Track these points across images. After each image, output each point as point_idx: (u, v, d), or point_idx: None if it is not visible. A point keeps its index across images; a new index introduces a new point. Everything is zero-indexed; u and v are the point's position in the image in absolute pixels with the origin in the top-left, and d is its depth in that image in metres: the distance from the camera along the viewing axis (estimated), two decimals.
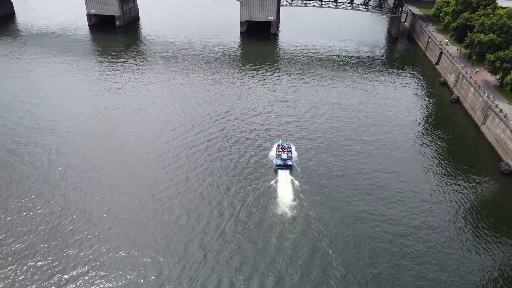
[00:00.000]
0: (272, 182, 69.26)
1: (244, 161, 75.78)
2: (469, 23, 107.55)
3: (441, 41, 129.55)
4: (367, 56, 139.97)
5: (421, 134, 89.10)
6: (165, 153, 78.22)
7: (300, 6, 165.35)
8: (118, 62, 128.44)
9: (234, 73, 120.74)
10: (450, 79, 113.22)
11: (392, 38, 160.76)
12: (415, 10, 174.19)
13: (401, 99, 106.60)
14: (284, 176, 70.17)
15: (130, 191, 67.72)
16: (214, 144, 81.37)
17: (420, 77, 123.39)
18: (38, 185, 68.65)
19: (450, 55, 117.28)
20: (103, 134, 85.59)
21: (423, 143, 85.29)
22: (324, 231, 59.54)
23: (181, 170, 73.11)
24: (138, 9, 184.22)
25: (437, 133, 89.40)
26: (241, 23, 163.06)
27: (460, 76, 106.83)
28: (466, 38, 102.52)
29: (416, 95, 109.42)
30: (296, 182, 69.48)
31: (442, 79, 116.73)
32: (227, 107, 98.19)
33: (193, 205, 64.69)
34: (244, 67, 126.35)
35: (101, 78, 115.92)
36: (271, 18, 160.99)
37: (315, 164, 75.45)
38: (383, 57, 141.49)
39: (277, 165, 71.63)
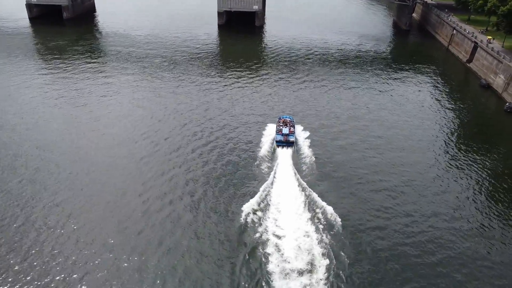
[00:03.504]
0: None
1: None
2: None
3: (473, 33, 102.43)
4: (374, 53, 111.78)
5: (469, 156, 60.97)
6: (125, 182, 48.21)
7: None
8: (63, 62, 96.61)
9: (211, 74, 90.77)
10: (497, 81, 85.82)
11: (401, 31, 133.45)
12: None
13: (429, 107, 78.15)
14: (285, 156, 56.27)
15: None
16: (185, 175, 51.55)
17: (448, 78, 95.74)
18: None
19: (492, 49, 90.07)
20: (48, 150, 57.67)
21: (472, 169, 57.57)
22: None
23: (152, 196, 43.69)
24: None
25: (492, 153, 62.11)
26: (219, 14, 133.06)
27: None
28: None
29: (450, 102, 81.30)
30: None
31: (483, 81, 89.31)
32: (203, 119, 69.32)
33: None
34: (223, 68, 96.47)
35: (40, 81, 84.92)
36: (255, 7, 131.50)
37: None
38: (395, 54, 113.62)
39: (277, 142, 59.18)
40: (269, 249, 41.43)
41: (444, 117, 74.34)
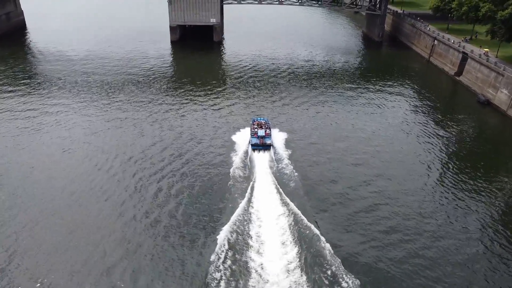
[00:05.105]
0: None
1: None
2: None
3: (460, 43, 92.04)
4: (348, 66, 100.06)
5: (487, 186, 48.87)
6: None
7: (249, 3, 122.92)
8: None
9: (164, 98, 73.98)
10: (499, 96, 74.65)
11: (374, 43, 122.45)
12: (393, 9, 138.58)
13: (424, 126, 67.00)
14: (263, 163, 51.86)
15: None
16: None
17: (437, 94, 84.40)
18: None
19: (488, 60, 79.33)
20: None
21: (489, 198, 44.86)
22: None
23: None
24: (22, 14, 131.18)
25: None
26: (172, 29, 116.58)
27: None
28: None
29: (447, 122, 69.20)
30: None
31: (481, 96, 78.08)
32: (159, 149, 54.82)
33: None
34: (178, 90, 79.85)
35: None
36: (213, 20, 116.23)
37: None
38: (371, 68, 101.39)
39: (252, 145, 55.18)
40: None
41: (443, 140, 62.87)
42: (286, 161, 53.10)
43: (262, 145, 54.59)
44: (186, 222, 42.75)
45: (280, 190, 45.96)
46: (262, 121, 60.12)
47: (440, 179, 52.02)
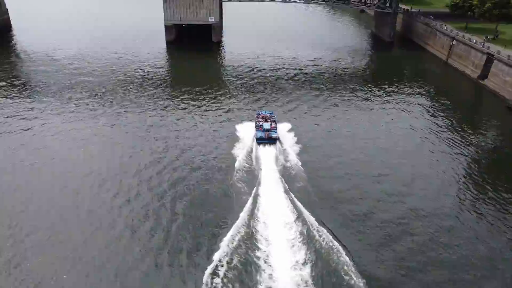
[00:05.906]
0: None
1: None
2: None
3: (483, 43, 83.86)
4: (358, 70, 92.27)
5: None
6: None
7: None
8: None
9: (159, 104, 65.72)
10: None
11: (384, 44, 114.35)
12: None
13: (444, 135, 59.00)
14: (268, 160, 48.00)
15: None
16: None
17: (458, 99, 77.00)
18: None
19: None
20: None
21: None
22: None
23: None
24: (7, 13, 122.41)
25: None
26: (167, 28, 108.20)
27: None
28: None
29: (472, 130, 61.37)
30: None
31: (511, 102, 70.01)
32: (153, 166, 46.80)
33: None
34: (175, 95, 71.61)
35: None
36: (211, 19, 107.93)
37: None
38: (383, 70, 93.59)
39: (257, 139, 51.72)
40: None
41: (473, 152, 54.89)
42: (295, 159, 49.25)
43: (267, 138, 52.03)
44: (187, 222, 39.61)
45: (301, 208, 40.16)
46: (267, 114, 57.56)
47: (475, 199, 44.11)
